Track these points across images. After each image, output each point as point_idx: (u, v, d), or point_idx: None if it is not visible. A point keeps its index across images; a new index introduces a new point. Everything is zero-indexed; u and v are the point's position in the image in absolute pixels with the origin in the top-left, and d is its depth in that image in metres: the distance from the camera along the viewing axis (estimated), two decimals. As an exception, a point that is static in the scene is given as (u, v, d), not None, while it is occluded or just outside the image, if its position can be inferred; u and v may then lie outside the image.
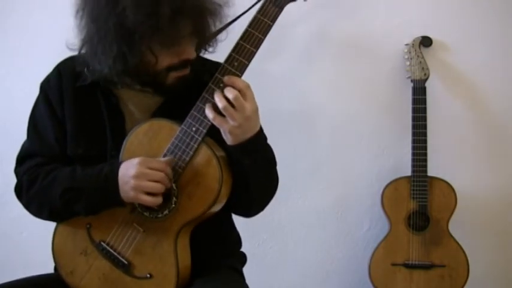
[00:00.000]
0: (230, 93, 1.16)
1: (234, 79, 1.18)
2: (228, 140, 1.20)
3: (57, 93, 1.32)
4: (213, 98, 1.18)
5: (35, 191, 1.29)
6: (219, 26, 1.25)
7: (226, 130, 1.18)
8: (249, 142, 1.20)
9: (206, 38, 1.25)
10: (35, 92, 1.38)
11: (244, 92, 1.17)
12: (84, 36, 1.21)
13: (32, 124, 1.37)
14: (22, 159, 1.37)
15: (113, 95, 1.30)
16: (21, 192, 1.32)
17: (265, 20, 1.20)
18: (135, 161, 1.19)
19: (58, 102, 1.32)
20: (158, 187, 1.17)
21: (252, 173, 1.23)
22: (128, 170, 1.18)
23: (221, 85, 1.19)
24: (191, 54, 1.22)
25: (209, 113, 1.17)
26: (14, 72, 2.07)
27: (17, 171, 1.37)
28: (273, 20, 1.21)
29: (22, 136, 1.40)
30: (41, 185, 1.28)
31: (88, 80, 1.27)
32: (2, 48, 2.07)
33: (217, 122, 1.17)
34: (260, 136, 1.24)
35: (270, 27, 1.20)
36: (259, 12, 1.21)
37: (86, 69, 1.26)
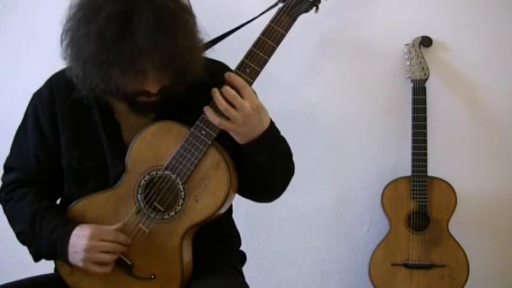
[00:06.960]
0: (227, 94, 1.16)
1: (232, 77, 1.18)
2: (238, 139, 1.21)
3: (48, 109, 1.30)
4: None
5: (7, 212, 1.35)
6: (194, 51, 1.18)
7: (233, 131, 1.19)
8: (261, 138, 1.20)
9: (187, 64, 1.16)
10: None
11: (242, 90, 1.17)
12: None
13: (17, 136, 1.38)
14: (4, 169, 1.40)
15: (108, 106, 1.28)
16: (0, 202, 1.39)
17: (279, 29, 1.21)
18: (87, 232, 1.21)
19: (47, 118, 1.30)
20: (108, 258, 1.21)
21: (269, 168, 1.24)
22: (79, 240, 1.21)
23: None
24: (152, 88, 1.15)
25: (213, 118, 1.18)
26: (14, 72, 2.06)
27: (2, 179, 1.41)
28: (287, 30, 1.21)
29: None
30: (10, 210, 1.34)
31: (82, 92, 1.22)
32: (2, 47, 2.06)
33: (223, 126, 1.18)
34: (271, 131, 1.23)
35: (283, 36, 1.21)
36: (272, 21, 1.21)
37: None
